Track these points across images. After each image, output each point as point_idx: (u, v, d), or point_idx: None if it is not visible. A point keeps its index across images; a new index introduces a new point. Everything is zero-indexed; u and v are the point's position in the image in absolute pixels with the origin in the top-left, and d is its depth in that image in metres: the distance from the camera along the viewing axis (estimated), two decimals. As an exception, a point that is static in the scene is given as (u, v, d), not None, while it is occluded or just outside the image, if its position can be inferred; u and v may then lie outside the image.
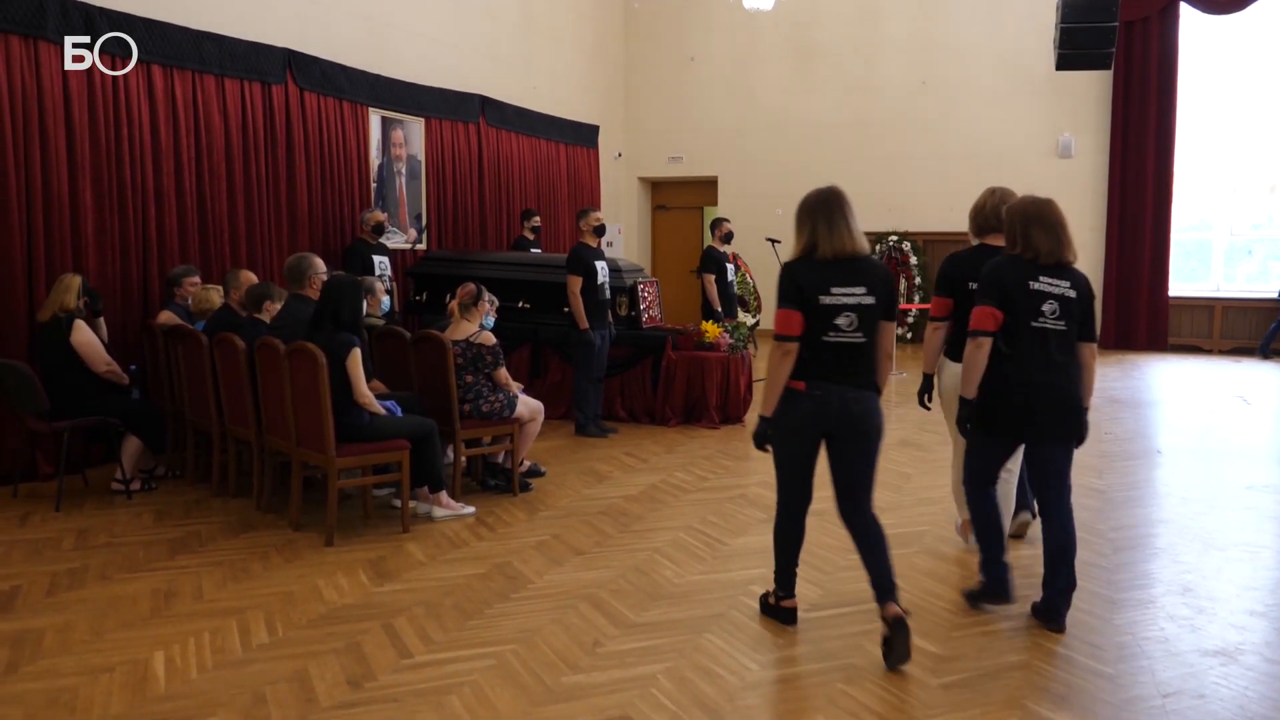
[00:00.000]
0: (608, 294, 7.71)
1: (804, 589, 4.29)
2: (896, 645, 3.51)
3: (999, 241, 4.34)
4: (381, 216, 8.50)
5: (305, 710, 3.23)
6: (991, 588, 4.03)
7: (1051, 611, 3.92)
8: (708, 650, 3.69)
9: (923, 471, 6.48)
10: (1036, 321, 3.81)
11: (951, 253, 4.73)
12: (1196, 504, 5.77)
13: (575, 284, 7.41)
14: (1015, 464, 4.58)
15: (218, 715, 3.20)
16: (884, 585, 3.61)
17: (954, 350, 4.50)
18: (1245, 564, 4.72)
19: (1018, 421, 3.87)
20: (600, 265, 7.58)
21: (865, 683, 3.41)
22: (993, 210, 4.52)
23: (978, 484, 4.09)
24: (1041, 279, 3.83)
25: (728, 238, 9.78)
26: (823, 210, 3.65)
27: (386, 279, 8.16)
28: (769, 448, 3.75)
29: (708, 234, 10.71)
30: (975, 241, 4.67)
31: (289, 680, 3.44)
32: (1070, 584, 3.91)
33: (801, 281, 3.60)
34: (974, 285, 4.17)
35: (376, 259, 8.20)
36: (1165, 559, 4.83)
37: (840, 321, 3.59)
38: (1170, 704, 3.27)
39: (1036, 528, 4.89)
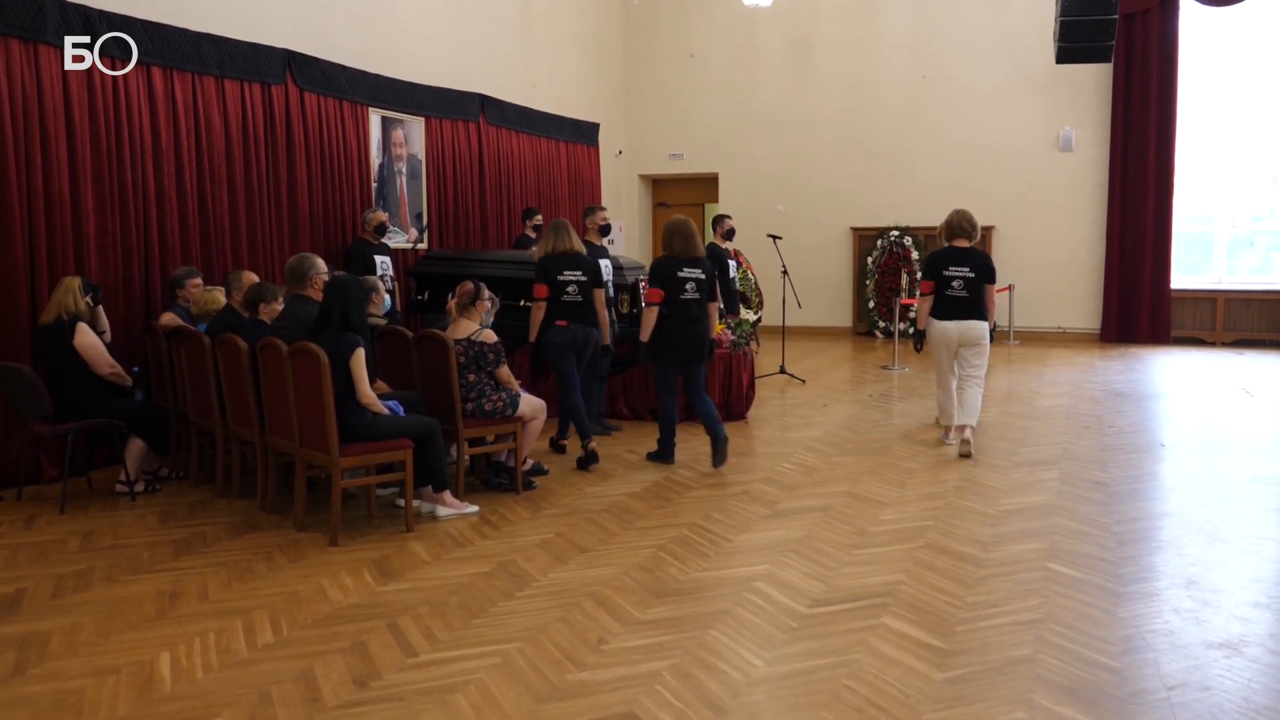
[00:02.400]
0: (611, 292, 7.70)
1: (807, 584, 4.32)
2: (589, 463, 6.44)
3: (963, 243, 6.76)
4: (383, 216, 8.51)
5: (311, 710, 3.23)
6: (664, 454, 6.58)
7: (718, 455, 6.29)
8: (712, 647, 3.70)
9: (925, 466, 6.48)
10: (683, 295, 6.27)
11: (933, 249, 6.75)
12: (1201, 497, 5.76)
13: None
14: (973, 373, 6.84)
15: (224, 715, 3.21)
16: (584, 432, 6.49)
17: (935, 312, 6.77)
18: (1250, 556, 4.72)
19: (682, 353, 6.35)
20: (604, 263, 7.57)
21: (870, 678, 3.42)
22: (956, 223, 6.80)
23: (663, 391, 6.49)
24: (685, 269, 6.30)
25: (729, 234, 9.78)
26: (553, 230, 6.66)
27: (388, 279, 8.17)
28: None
29: (709, 231, 10.71)
30: (945, 244, 6.86)
31: (295, 680, 3.45)
32: (725, 436, 6.31)
33: (548, 267, 6.52)
34: (945, 272, 6.69)
35: (378, 259, 8.22)
36: (1170, 552, 4.84)
37: (570, 289, 6.51)
38: (1175, 696, 3.27)
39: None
